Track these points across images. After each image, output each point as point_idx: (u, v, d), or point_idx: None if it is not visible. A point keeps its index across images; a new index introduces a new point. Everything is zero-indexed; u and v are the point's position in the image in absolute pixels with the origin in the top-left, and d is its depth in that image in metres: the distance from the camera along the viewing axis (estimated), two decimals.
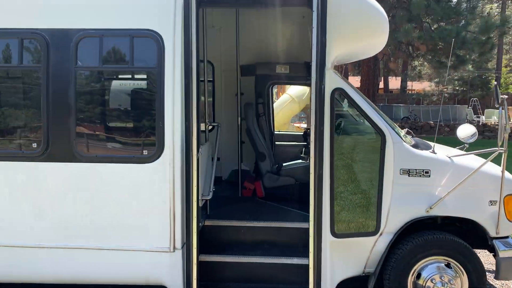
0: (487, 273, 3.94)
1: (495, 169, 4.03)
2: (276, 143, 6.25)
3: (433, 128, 21.94)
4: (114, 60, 3.79)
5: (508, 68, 36.60)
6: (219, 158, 5.72)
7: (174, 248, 3.77)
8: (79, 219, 3.78)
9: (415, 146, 4.01)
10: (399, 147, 3.83)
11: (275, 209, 4.86)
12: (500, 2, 31.10)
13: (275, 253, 4.10)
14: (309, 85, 3.77)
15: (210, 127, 5.49)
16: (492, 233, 3.92)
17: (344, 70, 17.25)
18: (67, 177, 3.76)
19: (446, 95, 30.99)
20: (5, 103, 3.82)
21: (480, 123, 22.66)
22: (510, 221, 3.95)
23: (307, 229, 3.84)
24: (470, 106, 27.56)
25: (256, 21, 5.74)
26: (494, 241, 3.92)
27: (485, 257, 5.05)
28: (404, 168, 3.84)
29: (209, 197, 4.20)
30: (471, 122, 23.36)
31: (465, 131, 4.11)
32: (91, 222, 3.78)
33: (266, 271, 4.02)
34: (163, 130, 3.67)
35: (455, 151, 4.19)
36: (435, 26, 16.89)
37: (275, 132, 6.48)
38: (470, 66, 24.26)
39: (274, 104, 7.52)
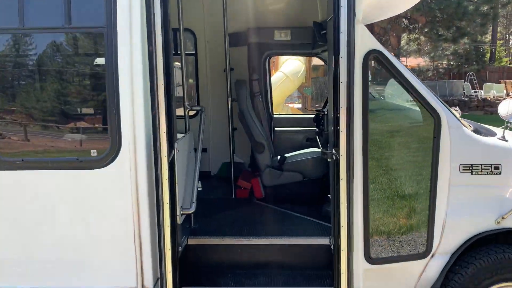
0: None
1: None
2: (276, 129, 5.53)
3: None
4: (42, 17, 2.78)
5: (502, 41, 36.47)
6: (205, 149, 5.22)
7: (143, 287, 2.94)
8: (6, 252, 2.91)
9: (476, 131, 3.15)
10: (459, 134, 3.00)
11: (279, 216, 4.17)
12: None
13: (283, 281, 3.39)
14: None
15: (192, 113, 4.88)
16: None
17: None
18: None
19: (441, 70, 30.74)
20: None
21: (480, 98, 22.24)
22: None
23: (326, 247, 3.33)
24: (467, 80, 27.55)
25: None
26: None
27: None
28: (465, 164, 3.03)
29: (191, 210, 3.39)
30: (469, 97, 23.04)
31: (509, 107, 3.33)
32: (24, 256, 2.91)
33: None
34: (118, 120, 2.77)
35: None
36: None
37: (274, 116, 5.75)
38: (466, 39, 23.92)
39: None
